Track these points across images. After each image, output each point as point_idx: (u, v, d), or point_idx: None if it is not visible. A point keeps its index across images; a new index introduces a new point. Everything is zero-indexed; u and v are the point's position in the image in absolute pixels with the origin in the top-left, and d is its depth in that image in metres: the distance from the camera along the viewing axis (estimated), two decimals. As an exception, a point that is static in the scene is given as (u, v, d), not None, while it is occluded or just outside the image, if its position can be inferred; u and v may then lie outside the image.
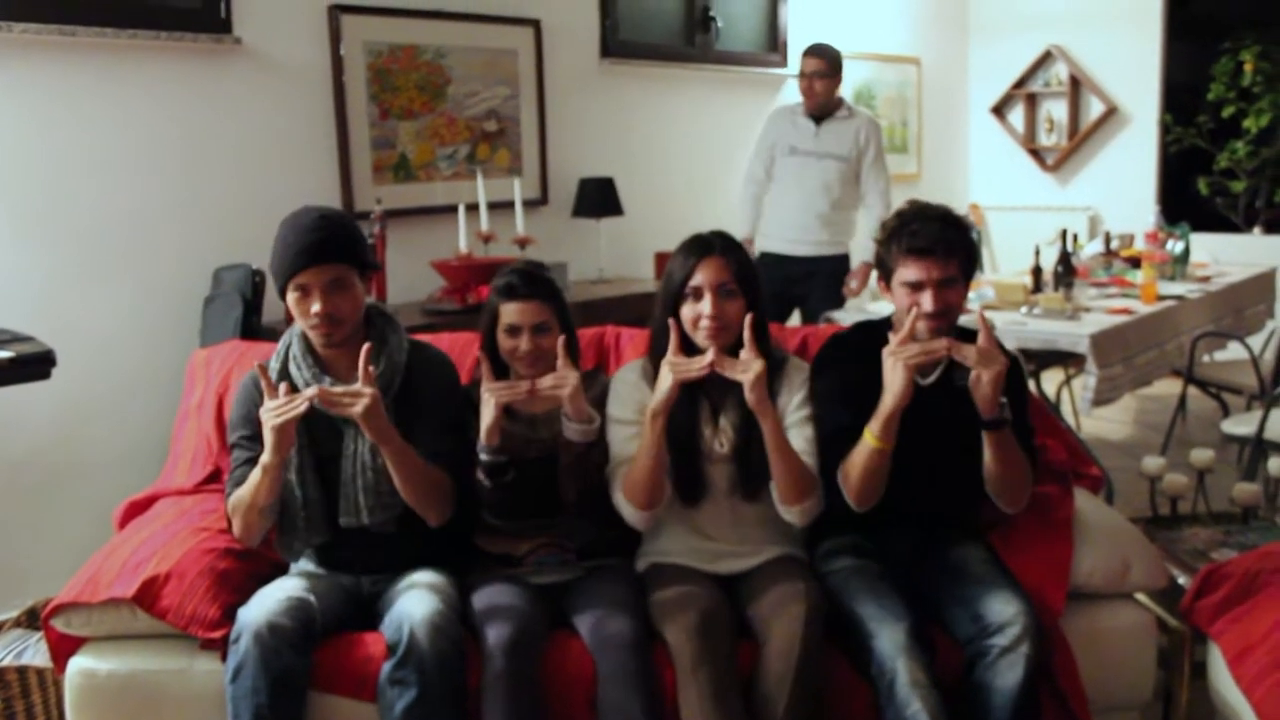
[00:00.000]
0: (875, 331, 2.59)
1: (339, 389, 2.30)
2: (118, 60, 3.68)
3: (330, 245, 2.38)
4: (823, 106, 5.02)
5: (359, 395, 2.27)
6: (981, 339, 2.34)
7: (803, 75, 5.01)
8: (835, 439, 2.47)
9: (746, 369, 2.32)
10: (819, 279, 5.02)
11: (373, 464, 2.40)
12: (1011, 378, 2.43)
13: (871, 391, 2.40)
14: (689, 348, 2.45)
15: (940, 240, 2.43)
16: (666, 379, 2.34)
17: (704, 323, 2.44)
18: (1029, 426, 2.58)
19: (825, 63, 4.98)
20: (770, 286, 4.17)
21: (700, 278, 2.46)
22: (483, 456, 2.39)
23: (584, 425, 2.42)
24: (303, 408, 2.26)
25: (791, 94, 6.44)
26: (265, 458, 2.29)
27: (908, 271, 2.45)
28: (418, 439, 2.41)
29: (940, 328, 2.44)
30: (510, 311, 2.52)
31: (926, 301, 2.42)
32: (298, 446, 2.39)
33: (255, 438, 2.38)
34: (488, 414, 2.37)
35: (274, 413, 2.26)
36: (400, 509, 2.42)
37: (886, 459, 2.38)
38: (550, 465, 2.48)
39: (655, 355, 2.50)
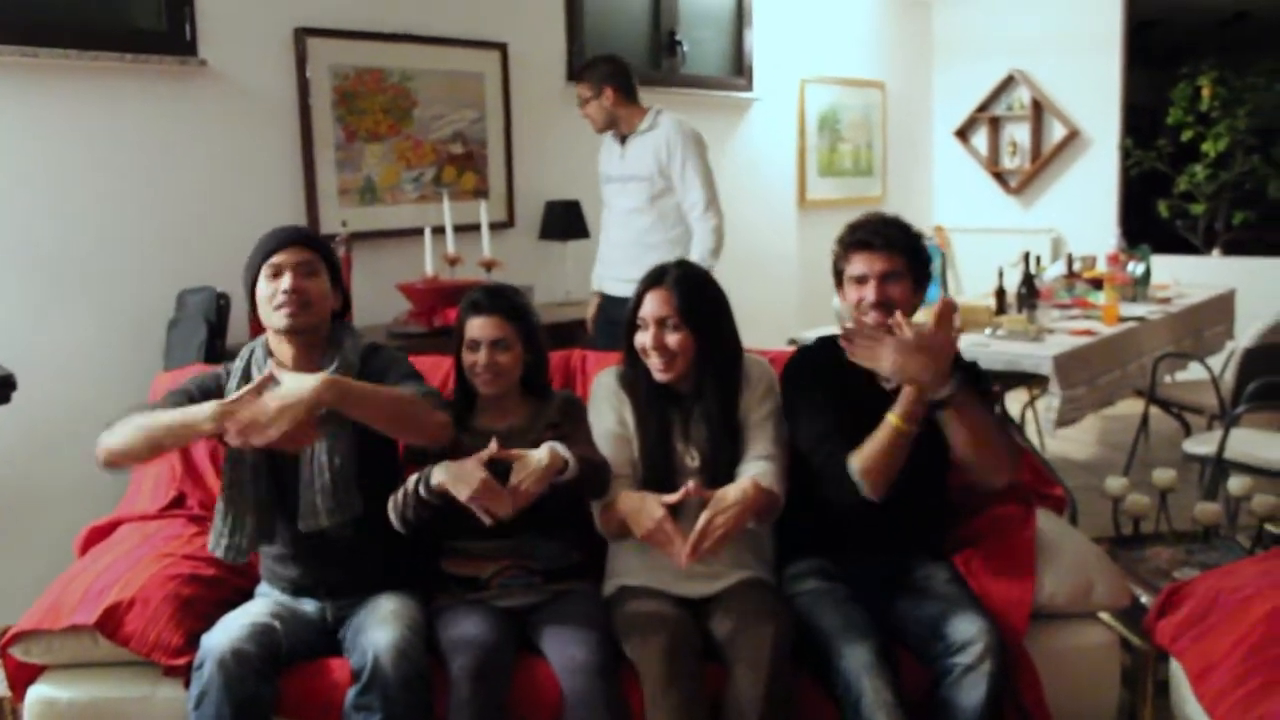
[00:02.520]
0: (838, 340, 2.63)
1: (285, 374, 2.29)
2: (81, 82, 3.66)
3: (307, 236, 2.53)
4: (614, 126, 4.39)
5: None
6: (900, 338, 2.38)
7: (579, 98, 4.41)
8: (818, 446, 2.49)
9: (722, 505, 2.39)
10: None
11: (330, 466, 2.39)
12: (970, 378, 2.50)
13: (843, 396, 2.46)
14: (643, 371, 2.55)
15: (880, 234, 2.54)
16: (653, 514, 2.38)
17: (650, 353, 2.53)
18: (993, 413, 2.59)
19: (586, 85, 4.36)
20: (608, 330, 4.05)
21: (646, 309, 2.54)
22: (422, 490, 2.36)
23: (564, 476, 2.39)
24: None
25: (763, 117, 6.50)
26: (205, 431, 2.25)
27: (853, 267, 2.56)
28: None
29: (885, 321, 2.47)
30: (472, 326, 2.56)
31: (869, 292, 2.51)
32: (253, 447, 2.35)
33: (194, 399, 2.38)
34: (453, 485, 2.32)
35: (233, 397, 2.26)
36: (359, 510, 2.41)
37: (907, 443, 2.39)
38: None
39: (625, 379, 2.61)
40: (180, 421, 2.27)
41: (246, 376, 2.47)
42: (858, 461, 2.43)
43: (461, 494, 2.29)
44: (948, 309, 2.40)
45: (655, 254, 4.02)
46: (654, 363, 2.53)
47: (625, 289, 4.10)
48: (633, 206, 4.36)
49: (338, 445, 2.39)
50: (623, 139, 4.39)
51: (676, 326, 2.51)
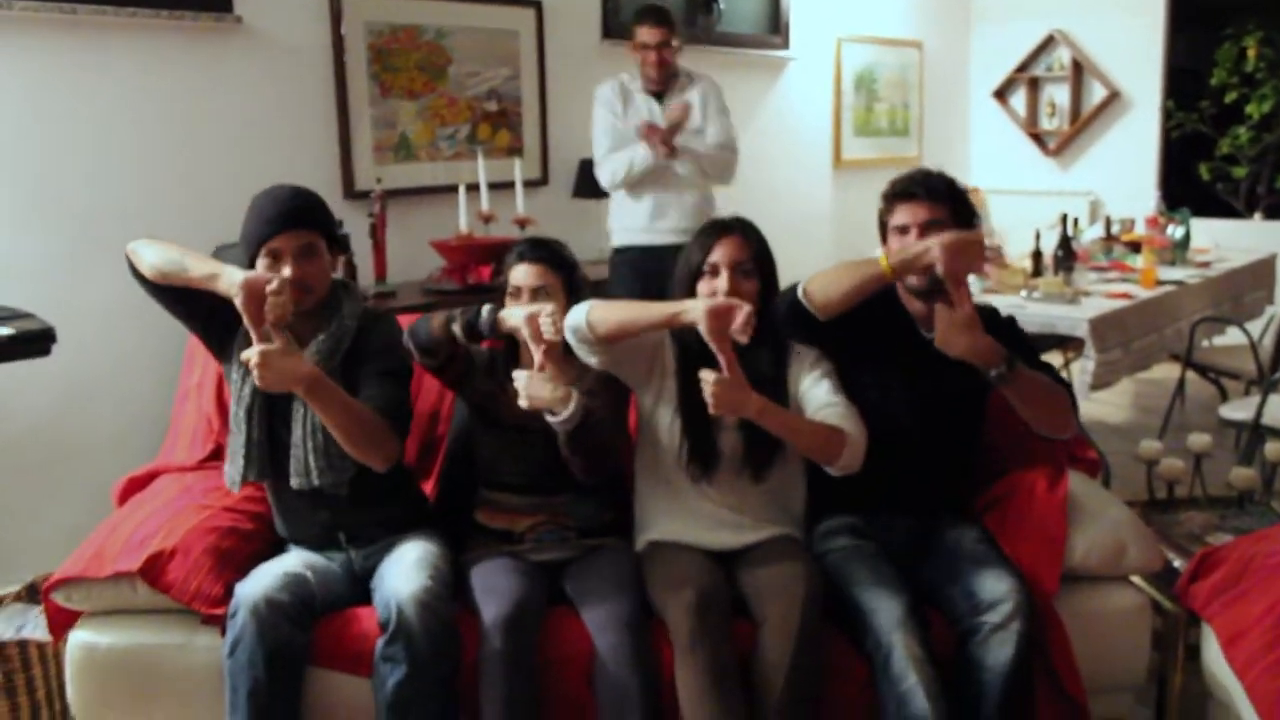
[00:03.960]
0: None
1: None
2: (118, 39, 3.68)
3: (304, 212, 2.42)
4: (664, 79, 4.33)
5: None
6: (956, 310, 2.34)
7: (645, 46, 4.28)
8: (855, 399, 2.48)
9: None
10: None
11: (323, 426, 2.37)
12: (1004, 334, 2.46)
13: (883, 345, 2.45)
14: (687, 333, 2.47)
15: (923, 184, 2.51)
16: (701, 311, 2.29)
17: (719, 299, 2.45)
18: (1039, 362, 2.53)
19: (668, 29, 4.28)
20: (629, 285, 4.08)
21: (718, 255, 2.49)
22: (483, 316, 2.42)
23: (557, 417, 2.37)
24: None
25: (798, 76, 6.44)
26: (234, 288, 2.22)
27: (896, 217, 2.53)
28: (359, 387, 2.40)
29: (928, 272, 2.43)
30: (516, 274, 2.55)
31: (911, 241, 2.46)
32: (252, 388, 2.37)
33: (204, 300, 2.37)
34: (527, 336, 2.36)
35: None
36: (351, 471, 2.41)
37: (877, 286, 2.39)
38: (553, 438, 2.47)
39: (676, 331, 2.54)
40: (209, 271, 2.28)
41: (245, 336, 2.42)
42: (820, 276, 2.42)
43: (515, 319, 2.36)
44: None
45: (690, 208, 4.26)
46: (739, 321, 2.46)
47: (661, 238, 4.20)
48: (679, 160, 4.26)
49: None
50: (658, 96, 4.31)
51: (749, 273, 2.48)
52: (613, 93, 4.32)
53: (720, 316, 2.22)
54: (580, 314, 2.38)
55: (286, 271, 2.35)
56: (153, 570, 2.34)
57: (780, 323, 2.51)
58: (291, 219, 2.39)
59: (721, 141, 4.33)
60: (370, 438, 2.33)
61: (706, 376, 2.25)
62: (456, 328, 2.42)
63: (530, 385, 2.34)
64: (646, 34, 4.25)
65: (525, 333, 2.35)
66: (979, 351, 2.31)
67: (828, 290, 2.41)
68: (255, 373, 2.18)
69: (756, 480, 2.54)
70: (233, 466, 2.46)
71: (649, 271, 4.10)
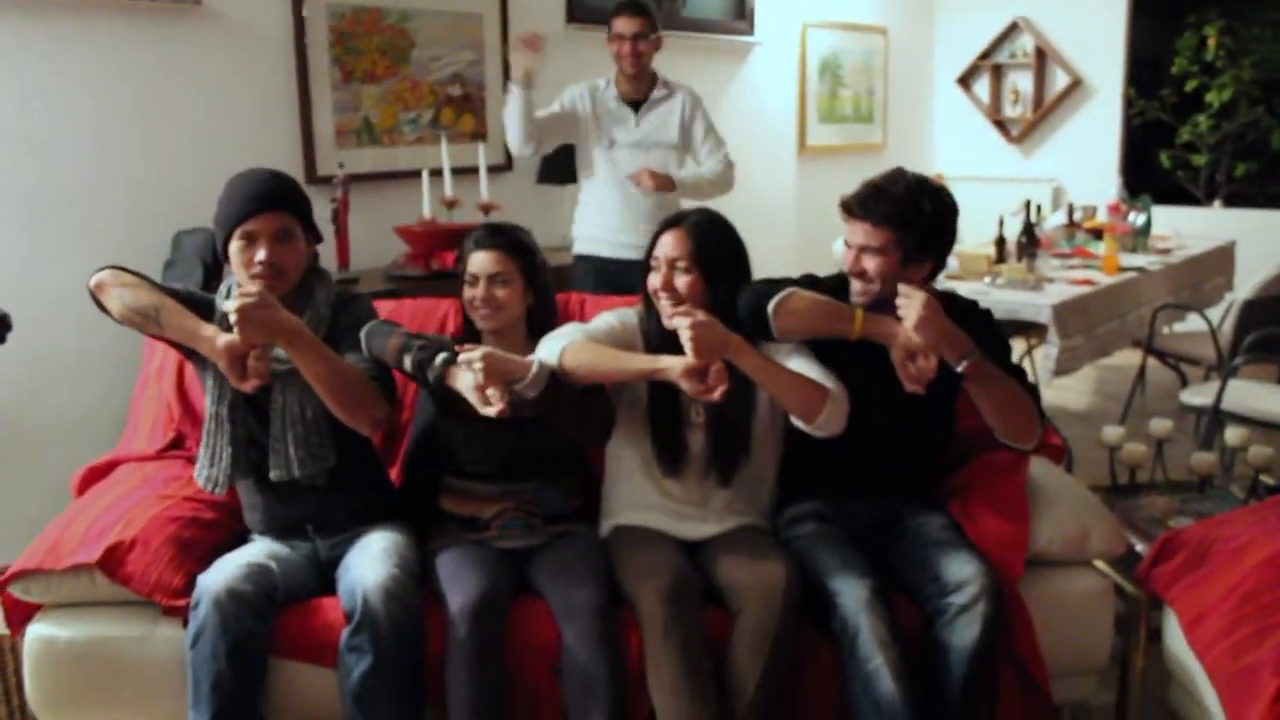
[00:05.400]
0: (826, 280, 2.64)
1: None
2: (75, 22, 3.61)
3: (281, 195, 2.40)
4: (643, 79, 4.19)
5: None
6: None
7: (621, 38, 4.11)
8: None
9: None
10: None
11: (302, 416, 2.37)
12: (979, 328, 2.47)
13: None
14: (655, 317, 2.53)
15: (865, 204, 2.45)
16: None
17: (659, 294, 2.50)
18: (1011, 365, 2.54)
19: (647, 20, 4.12)
20: (592, 290, 3.84)
21: (660, 249, 2.53)
22: (429, 373, 2.33)
23: (524, 384, 2.33)
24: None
25: (764, 62, 6.43)
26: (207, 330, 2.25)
27: (846, 229, 2.51)
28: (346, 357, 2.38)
29: (865, 292, 2.46)
30: (473, 261, 2.55)
31: (850, 260, 2.49)
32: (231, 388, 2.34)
33: (193, 304, 2.38)
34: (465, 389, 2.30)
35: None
36: (331, 461, 2.40)
37: (839, 330, 2.41)
38: (519, 426, 2.46)
39: (642, 316, 2.60)
40: (187, 330, 2.28)
41: (223, 315, 2.40)
42: (792, 295, 2.43)
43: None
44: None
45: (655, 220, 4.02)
46: (663, 306, 2.50)
47: (624, 253, 4.07)
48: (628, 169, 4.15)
49: (309, 396, 2.36)
50: (634, 105, 4.19)
51: (686, 269, 2.49)
52: (580, 91, 4.21)
53: (697, 375, 2.22)
54: (553, 356, 2.37)
55: (261, 254, 2.33)
56: (112, 562, 2.31)
57: (743, 318, 2.48)
58: (268, 201, 2.36)
59: (720, 165, 4.22)
60: (358, 396, 2.31)
61: (682, 321, 2.23)
62: (407, 364, 2.36)
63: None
64: (623, 24, 4.10)
65: (472, 399, 2.26)
66: (949, 337, 2.31)
67: (792, 331, 2.43)
68: (236, 327, 2.16)
69: (723, 484, 2.56)
70: (214, 468, 2.42)
71: (611, 283, 3.99)
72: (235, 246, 2.37)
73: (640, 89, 4.19)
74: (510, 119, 4.07)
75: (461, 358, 2.26)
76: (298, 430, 2.38)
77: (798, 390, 2.34)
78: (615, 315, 2.59)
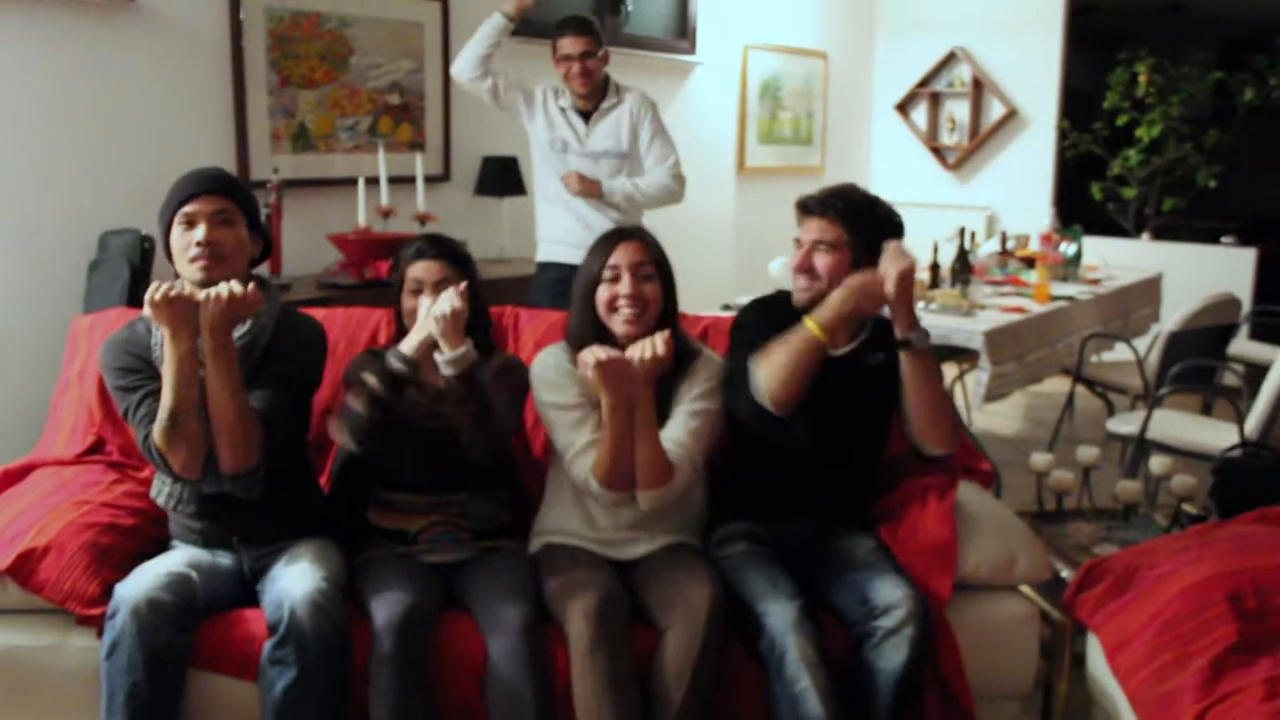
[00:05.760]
0: (785, 296, 2.64)
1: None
2: (4, 14, 3.52)
3: (221, 181, 2.42)
4: (593, 92, 4.14)
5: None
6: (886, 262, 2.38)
7: (568, 58, 4.07)
8: (762, 413, 2.47)
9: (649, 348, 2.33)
10: None
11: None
12: None
13: None
14: (603, 335, 2.49)
15: (823, 201, 2.51)
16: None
17: (621, 302, 2.47)
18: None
19: (593, 39, 4.08)
20: (552, 302, 3.85)
21: (618, 258, 2.50)
22: (392, 361, 2.37)
23: (452, 355, 2.35)
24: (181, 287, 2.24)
25: (705, 81, 6.45)
26: (168, 349, 2.22)
27: (799, 229, 2.55)
28: (256, 383, 2.34)
29: (809, 288, 2.50)
30: (416, 269, 2.52)
31: (799, 257, 2.51)
32: None
33: (145, 372, 2.33)
34: (419, 333, 2.37)
35: (154, 290, 2.19)
36: (262, 473, 2.35)
37: (818, 355, 2.39)
38: (449, 436, 2.43)
39: (573, 343, 2.53)
40: (172, 376, 2.23)
41: None
42: (763, 369, 2.41)
43: (417, 334, 2.39)
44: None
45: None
46: (625, 314, 2.47)
47: (577, 257, 4.07)
48: (600, 179, 4.13)
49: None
50: (584, 113, 4.15)
51: (650, 276, 2.49)
52: (544, 87, 4.18)
53: (612, 372, 2.29)
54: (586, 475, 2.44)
55: (199, 233, 2.32)
56: (23, 569, 2.25)
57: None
58: (207, 183, 2.39)
59: (667, 172, 4.16)
60: (240, 434, 2.27)
61: (596, 354, 2.28)
62: (383, 391, 2.36)
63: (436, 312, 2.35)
64: (569, 44, 4.05)
65: (441, 328, 2.34)
66: (911, 304, 2.37)
67: (771, 383, 2.41)
68: (152, 310, 2.16)
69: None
70: (177, 485, 2.39)
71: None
72: (175, 233, 2.36)
73: (591, 99, 4.16)
74: (474, 42, 4.06)
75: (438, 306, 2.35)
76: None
77: (653, 460, 2.40)
78: (552, 377, 2.54)
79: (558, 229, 4.20)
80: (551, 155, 4.18)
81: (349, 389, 2.43)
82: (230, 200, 2.39)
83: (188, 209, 2.35)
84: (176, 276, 2.42)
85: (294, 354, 2.44)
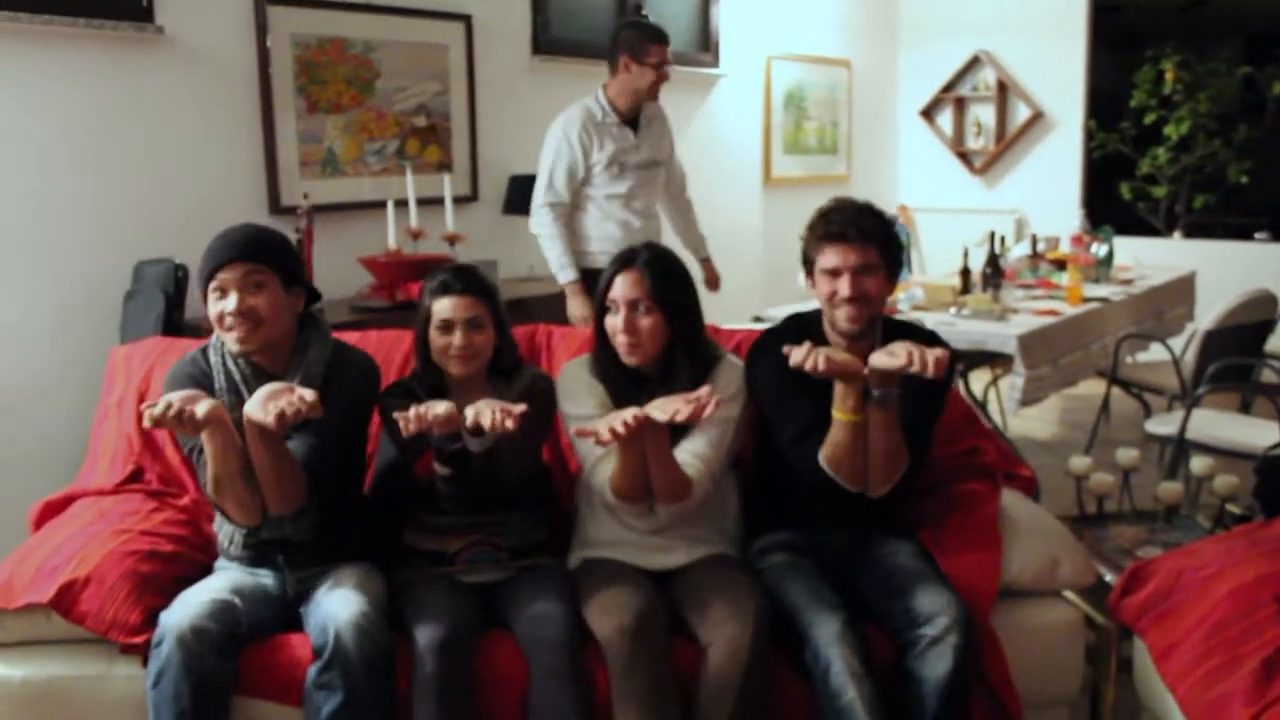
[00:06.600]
0: (806, 320, 2.63)
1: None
2: (34, 48, 3.57)
3: (251, 246, 2.38)
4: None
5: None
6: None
7: (659, 65, 4.23)
8: (793, 448, 2.47)
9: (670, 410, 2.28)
10: None
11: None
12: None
13: (810, 385, 2.40)
14: (612, 354, 2.52)
15: (854, 225, 2.47)
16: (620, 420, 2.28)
17: (619, 338, 2.48)
18: (926, 429, 2.55)
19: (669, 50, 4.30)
20: None
21: (617, 291, 2.51)
22: (443, 446, 2.34)
23: (477, 439, 2.33)
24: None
25: (728, 93, 6.46)
26: (203, 437, 2.24)
27: (826, 259, 2.49)
28: (304, 429, 2.35)
29: (860, 316, 2.47)
30: (444, 307, 2.48)
31: (844, 286, 2.46)
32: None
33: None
34: (440, 407, 2.28)
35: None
36: (318, 519, 2.40)
37: (862, 428, 2.38)
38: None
39: (595, 359, 2.58)
40: (211, 447, 2.24)
41: (230, 379, 2.41)
42: (825, 461, 2.41)
43: (440, 408, 2.28)
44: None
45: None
46: (621, 345, 2.49)
47: None
48: (651, 190, 4.37)
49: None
50: (634, 124, 4.28)
51: (649, 310, 2.48)
52: (583, 128, 4.21)
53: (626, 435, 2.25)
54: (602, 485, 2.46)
55: (230, 303, 2.31)
56: (65, 601, 2.26)
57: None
58: (236, 251, 2.36)
59: (683, 172, 4.54)
60: (280, 487, 2.31)
61: (615, 427, 2.24)
62: (449, 472, 2.37)
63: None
64: (662, 52, 4.21)
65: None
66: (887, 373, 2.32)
67: (838, 468, 2.41)
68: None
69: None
70: (229, 525, 2.43)
71: None
72: (210, 301, 2.36)
73: (636, 107, 4.29)
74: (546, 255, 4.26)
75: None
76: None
77: (670, 478, 2.39)
78: (573, 388, 2.55)
79: (610, 241, 4.25)
80: (607, 177, 4.26)
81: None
82: (260, 264, 2.36)
83: (218, 279, 2.34)
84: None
85: (344, 399, 2.44)
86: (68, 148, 3.68)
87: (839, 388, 2.36)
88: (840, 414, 2.37)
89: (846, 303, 2.46)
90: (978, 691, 2.36)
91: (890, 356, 2.28)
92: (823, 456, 2.41)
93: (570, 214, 4.26)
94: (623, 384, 2.52)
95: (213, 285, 2.35)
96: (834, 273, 2.48)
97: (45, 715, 2.28)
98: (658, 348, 2.50)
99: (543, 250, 4.29)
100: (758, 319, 4.62)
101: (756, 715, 2.25)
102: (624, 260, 2.54)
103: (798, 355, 2.29)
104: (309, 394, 2.16)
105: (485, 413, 2.24)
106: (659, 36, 4.25)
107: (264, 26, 4.13)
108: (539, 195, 4.27)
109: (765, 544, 2.58)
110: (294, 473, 2.32)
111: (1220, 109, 7.29)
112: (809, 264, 2.57)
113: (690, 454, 2.45)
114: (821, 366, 2.27)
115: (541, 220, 4.25)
